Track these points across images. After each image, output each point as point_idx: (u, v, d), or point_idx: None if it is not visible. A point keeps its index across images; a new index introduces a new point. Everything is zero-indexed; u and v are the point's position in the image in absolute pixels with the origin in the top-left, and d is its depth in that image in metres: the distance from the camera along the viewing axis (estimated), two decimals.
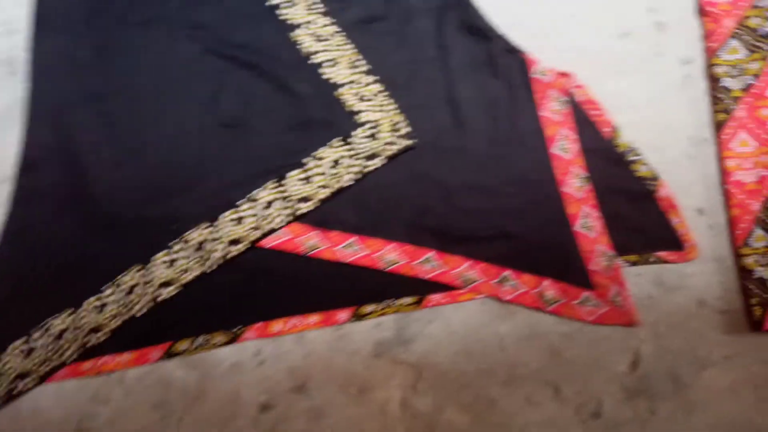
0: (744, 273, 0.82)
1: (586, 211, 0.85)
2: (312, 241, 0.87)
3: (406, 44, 0.92)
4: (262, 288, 0.85)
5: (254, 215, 0.86)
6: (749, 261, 0.81)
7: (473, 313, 0.85)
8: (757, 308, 0.79)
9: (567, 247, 0.85)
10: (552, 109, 0.88)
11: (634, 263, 0.85)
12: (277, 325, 0.84)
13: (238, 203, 0.86)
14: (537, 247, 0.85)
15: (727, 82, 0.88)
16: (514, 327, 0.84)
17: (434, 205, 0.88)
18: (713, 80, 0.89)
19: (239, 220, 0.86)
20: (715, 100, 0.88)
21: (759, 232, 0.82)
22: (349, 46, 0.93)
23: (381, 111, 0.90)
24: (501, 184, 0.87)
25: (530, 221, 0.86)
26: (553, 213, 0.86)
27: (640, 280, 0.85)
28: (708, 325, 0.83)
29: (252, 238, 0.86)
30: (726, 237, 0.85)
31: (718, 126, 0.87)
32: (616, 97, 0.89)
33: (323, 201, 0.88)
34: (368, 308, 0.85)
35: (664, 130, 0.88)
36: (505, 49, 0.91)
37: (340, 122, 0.90)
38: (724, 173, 0.85)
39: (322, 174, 0.88)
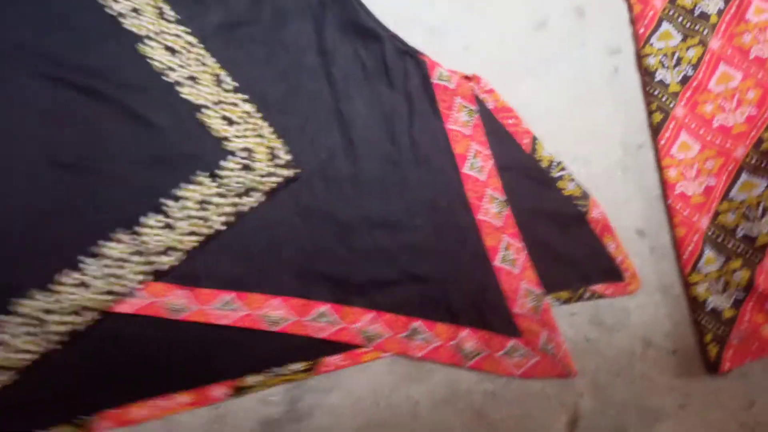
0: (695, 305, 0.68)
1: (507, 241, 0.70)
2: (179, 302, 0.70)
3: (280, 52, 0.76)
4: (118, 364, 0.70)
5: (104, 276, 0.69)
6: (700, 290, 0.68)
7: (380, 375, 0.70)
8: (712, 346, 0.66)
9: (487, 287, 0.70)
10: (460, 121, 0.73)
11: (566, 301, 0.70)
12: (139, 409, 0.68)
13: (82, 262, 0.69)
14: (451, 289, 0.71)
15: (662, 74, 0.73)
16: (430, 388, 0.69)
17: (327, 246, 0.72)
18: (646, 73, 0.74)
19: (85, 283, 0.69)
20: (650, 98, 0.74)
21: (709, 253, 0.69)
22: (210, 59, 0.75)
23: (255, 136, 0.74)
24: (406, 216, 0.72)
25: (442, 259, 0.71)
26: (468, 247, 0.71)
27: (574, 320, 0.70)
28: (657, 368, 0.69)
29: (103, 306, 0.68)
30: (672, 261, 0.72)
31: (656, 128, 0.73)
32: (533, 101, 0.74)
33: (190, 252, 0.71)
34: (251, 380, 0.70)
35: (593, 137, 0.73)
36: (400, 51, 0.75)
37: (206, 153, 0.73)
38: (665, 185, 0.71)
39: (187, 218, 0.72)
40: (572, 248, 0.72)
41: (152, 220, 0.73)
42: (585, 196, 0.71)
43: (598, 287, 0.71)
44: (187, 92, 0.75)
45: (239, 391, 0.70)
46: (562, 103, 0.74)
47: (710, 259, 0.69)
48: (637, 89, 0.76)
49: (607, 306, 0.71)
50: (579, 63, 0.76)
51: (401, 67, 0.75)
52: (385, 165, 0.74)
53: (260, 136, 0.74)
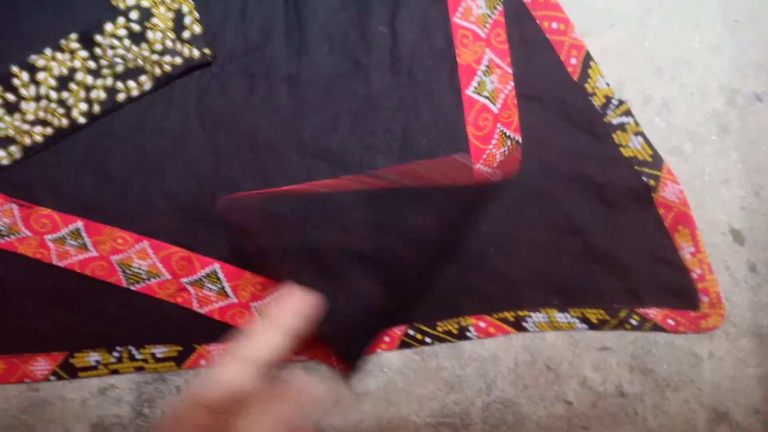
0: None
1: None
2: (2, 221, 0.44)
3: None
4: None
5: None
6: None
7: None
8: None
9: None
10: (475, 14, 0.45)
11: (596, 325, 0.42)
12: None
13: None
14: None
15: None
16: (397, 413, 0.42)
17: (234, 174, 0.46)
18: None
19: None
20: None
21: None
22: None
23: None
24: (360, 150, 0.45)
25: None
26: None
27: (606, 359, 0.42)
28: None
29: None
30: None
31: None
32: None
33: (32, 148, 0.45)
34: (88, 358, 0.44)
35: (681, 69, 0.44)
36: None
37: (84, 7, 0.47)
38: None
39: (38, 99, 0.46)
40: (621, 242, 0.43)
41: None
42: (656, 162, 0.43)
43: (654, 312, 0.42)
44: None
45: (70, 371, 0.45)
46: (639, 6, 0.45)
47: None
48: (766, 6, 0.46)
49: (663, 345, 0.43)
50: None
51: None
52: (343, 65, 0.47)
53: None
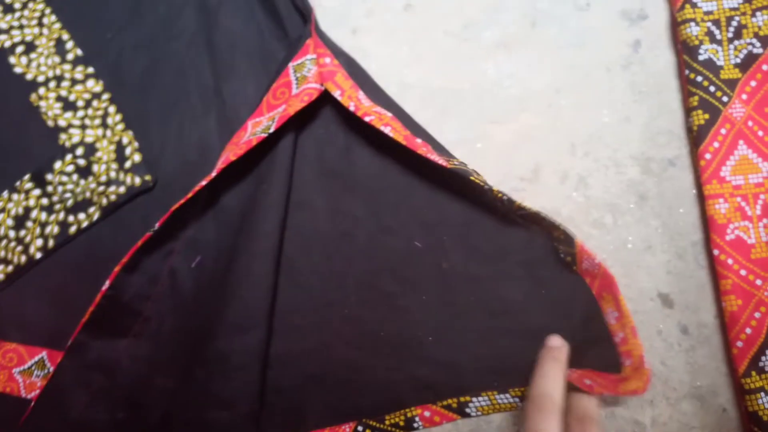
0: (755, 424, 0.40)
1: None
2: None
3: (143, 12, 0.53)
4: None
5: None
6: (764, 403, 0.39)
7: None
8: None
9: None
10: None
11: (518, 396, 0.43)
12: None
13: None
14: None
15: (710, 51, 0.46)
16: None
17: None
18: (684, 50, 0.47)
19: None
20: (690, 88, 0.46)
21: None
22: (52, 19, 0.54)
23: (99, 126, 0.51)
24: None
25: None
26: None
27: None
28: None
29: None
30: (717, 350, 0.43)
31: (697, 136, 0.45)
32: (505, 79, 0.47)
33: None
34: None
35: (594, 143, 0.46)
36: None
37: (35, 149, 0.51)
38: (710, 226, 0.44)
39: None
40: (552, 315, 0.45)
41: None
42: (568, 240, 0.44)
43: (581, 377, 0.43)
44: (20, 63, 0.53)
45: None
46: (548, 88, 0.48)
47: None
48: (671, 74, 0.48)
49: (604, 416, 0.43)
50: (579, 30, 0.49)
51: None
52: None
53: (105, 126, 0.51)
